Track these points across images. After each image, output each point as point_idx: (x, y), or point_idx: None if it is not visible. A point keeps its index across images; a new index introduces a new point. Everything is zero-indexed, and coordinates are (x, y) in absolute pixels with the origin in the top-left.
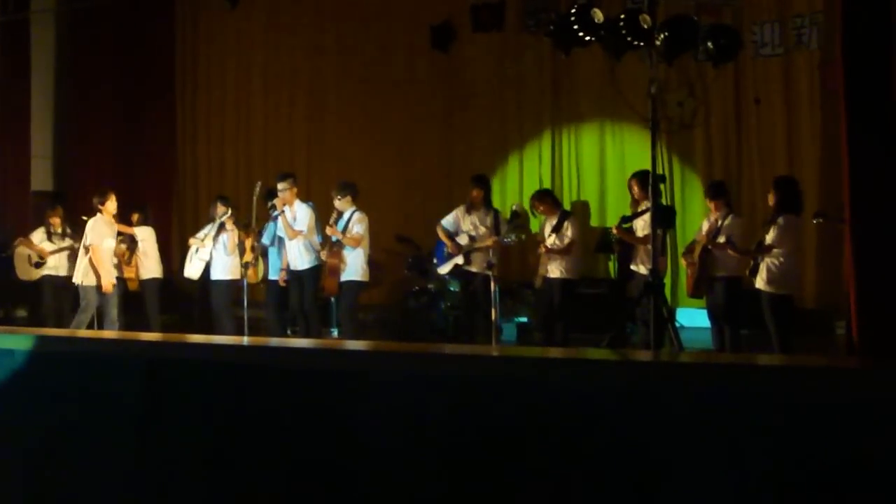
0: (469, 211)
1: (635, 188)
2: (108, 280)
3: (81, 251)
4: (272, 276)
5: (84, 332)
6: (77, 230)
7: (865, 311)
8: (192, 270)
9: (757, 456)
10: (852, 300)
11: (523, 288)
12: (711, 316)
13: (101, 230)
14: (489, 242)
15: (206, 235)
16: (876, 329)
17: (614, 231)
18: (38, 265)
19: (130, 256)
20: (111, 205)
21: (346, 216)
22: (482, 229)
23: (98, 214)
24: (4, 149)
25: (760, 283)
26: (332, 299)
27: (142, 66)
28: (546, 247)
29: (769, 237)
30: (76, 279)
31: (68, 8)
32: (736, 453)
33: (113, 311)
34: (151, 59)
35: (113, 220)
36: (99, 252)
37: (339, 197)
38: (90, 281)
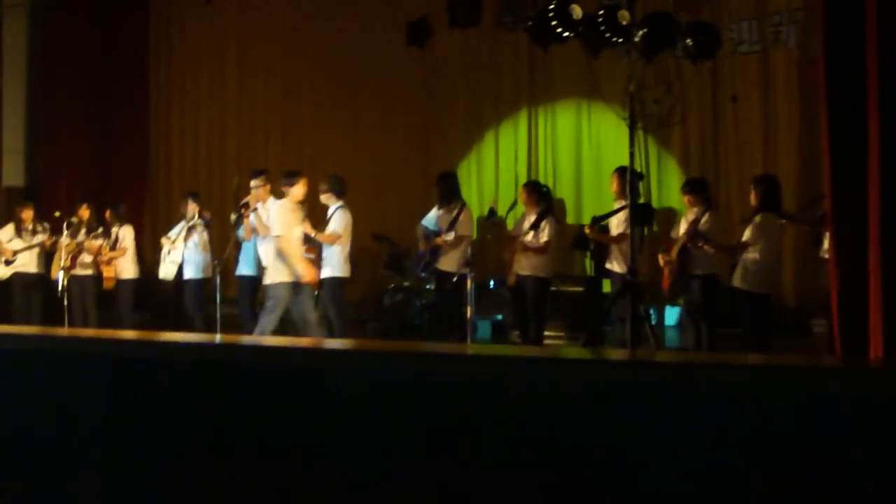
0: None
1: (615, 184)
2: (308, 272)
3: (265, 242)
4: (245, 272)
5: (58, 330)
6: (52, 226)
7: (846, 310)
8: (166, 272)
9: (734, 454)
10: (833, 298)
11: (499, 285)
12: (688, 314)
13: (287, 217)
14: (438, 241)
15: (177, 236)
16: (856, 327)
17: (587, 231)
18: (8, 263)
19: (108, 258)
20: (299, 190)
21: (328, 212)
22: (443, 226)
23: (283, 199)
24: None
25: (738, 281)
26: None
27: (115, 60)
28: (523, 243)
29: (746, 235)
30: (265, 277)
31: (41, 2)
32: (713, 452)
33: (310, 311)
34: (124, 53)
35: (299, 207)
36: (289, 242)
37: (323, 191)
38: (281, 277)
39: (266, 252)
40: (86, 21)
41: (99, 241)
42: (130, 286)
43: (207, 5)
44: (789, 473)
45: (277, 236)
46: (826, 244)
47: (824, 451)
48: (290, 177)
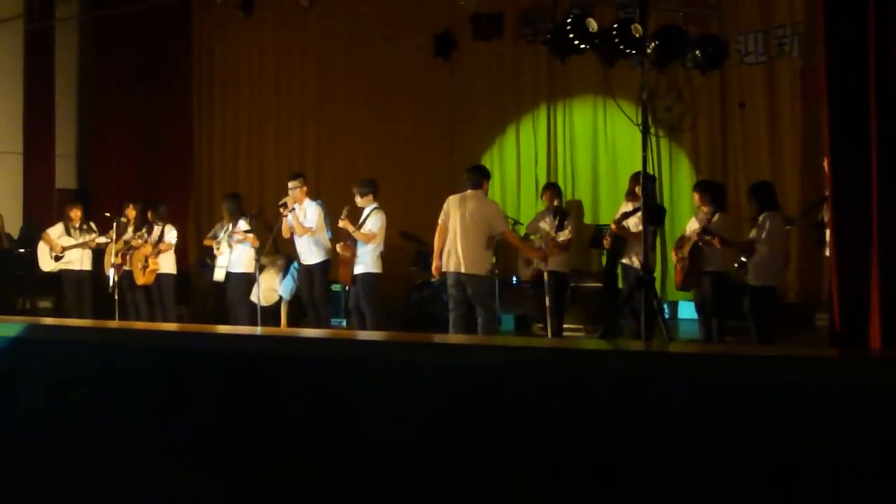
0: None
1: (636, 187)
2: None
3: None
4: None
5: (109, 323)
6: (100, 226)
7: (846, 303)
8: (219, 274)
9: (742, 441)
10: (834, 293)
11: (521, 281)
12: (699, 308)
13: (501, 212)
14: None
15: (222, 240)
16: (855, 320)
17: (613, 227)
18: (58, 258)
19: (156, 251)
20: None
21: (364, 213)
22: None
23: (477, 192)
24: (30, 148)
25: (748, 277)
26: (342, 292)
27: (160, 70)
28: (554, 241)
29: (752, 233)
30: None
31: (91, 16)
32: (723, 438)
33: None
34: (169, 64)
35: None
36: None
37: (360, 194)
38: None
39: (305, 249)
40: (133, 33)
41: (143, 240)
42: (172, 280)
43: (247, 18)
44: (793, 459)
45: (502, 232)
46: None
47: (824, 438)
48: (484, 173)
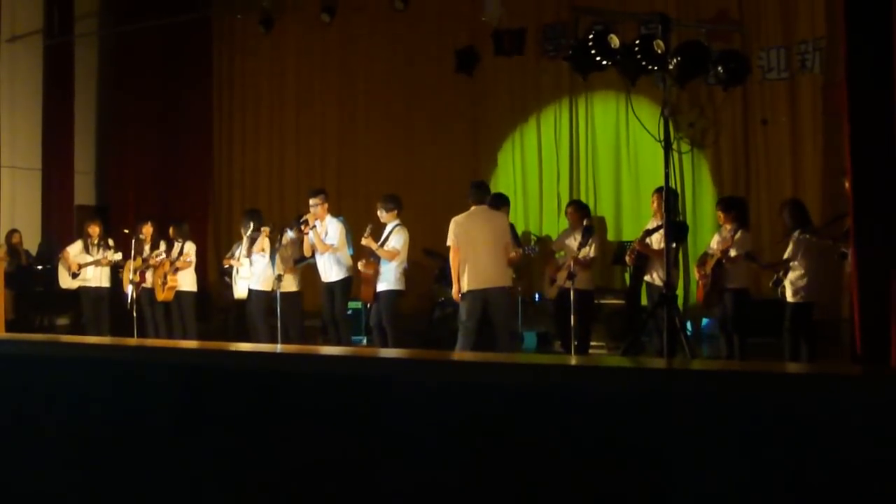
0: None
1: (655, 202)
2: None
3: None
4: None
5: (127, 340)
6: (118, 243)
7: (867, 320)
8: (240, 290)
9: (765, 459)
10: (855, 310)
11: (543, 299)
12: (721, 325)
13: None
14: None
15: (241, 255)
16: (877, 337)
17: (636, 245)
18: (75, 276)
19: (174, 268)
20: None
21: (387, 229)
22: None
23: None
24: (50, 164)
25: (788, 295)
26: (363, 309)
27: (180, 87)
28: (577, 259)
29: (787, 252)
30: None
31: (110, 32)
32: (745, 457)
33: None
34: (189, 80)
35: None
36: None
37: (384, 210)
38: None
39: (325, 266)
40: (152, 50)
41: (162, 257)
42: (192, 297)
43: (267, 34)
44: (815, 477)
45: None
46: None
47: (846, 456)
48: (487, 188)
